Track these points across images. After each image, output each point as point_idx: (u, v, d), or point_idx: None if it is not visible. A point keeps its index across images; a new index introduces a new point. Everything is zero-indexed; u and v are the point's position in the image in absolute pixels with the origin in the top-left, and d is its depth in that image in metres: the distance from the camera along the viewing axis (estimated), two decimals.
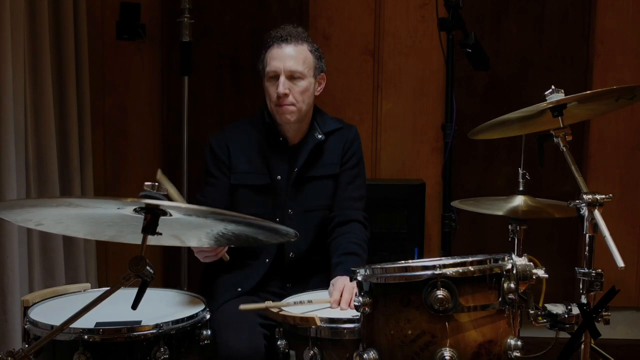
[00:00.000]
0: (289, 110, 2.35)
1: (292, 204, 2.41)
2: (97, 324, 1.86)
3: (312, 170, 2.43)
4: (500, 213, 2.39)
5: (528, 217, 2.40)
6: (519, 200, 2.42)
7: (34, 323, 1.90)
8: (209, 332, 2.03)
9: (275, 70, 2.34)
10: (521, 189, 2.44)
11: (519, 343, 1.71)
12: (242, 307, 2.03)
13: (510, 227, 2.44)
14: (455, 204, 2.55)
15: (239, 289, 2.34)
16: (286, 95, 2.32)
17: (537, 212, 2.41)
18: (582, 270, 1.93)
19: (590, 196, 1.90)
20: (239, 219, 1.66)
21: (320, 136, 2.45)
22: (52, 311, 2.00)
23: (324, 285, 2.28)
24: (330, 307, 2.09)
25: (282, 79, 2.32)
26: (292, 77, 2.33)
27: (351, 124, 2.57)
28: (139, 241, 1.59)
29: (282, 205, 2.41)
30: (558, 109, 2.06)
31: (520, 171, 2.43)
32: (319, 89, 2.46)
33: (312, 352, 1.91)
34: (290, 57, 2.34)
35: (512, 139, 2.50)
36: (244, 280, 2.37)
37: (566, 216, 2.36)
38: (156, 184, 1.61)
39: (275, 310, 2.00)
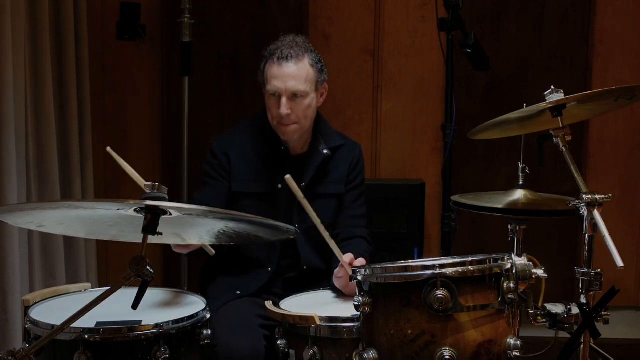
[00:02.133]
0: (291, 129, 2.33)
1: (297, 220, 2.38)
2: (98, 323, 1.86)
3: (319, 187, 2.41)
4: (499, 206, 2.38)
5: (528, 209, 2.39)
6: (518, 194, 2.42)
7: (35, 323, 1.90)
8: (209, 332, 2.03)
9: (276, 91, 2.30)
10: (521, 182, 2.44)
11: (519, 343, 1.71)
12: None
13: (509, 226, 2.45)
14: (456, 198, 2.55)
15: (238, 292, 2.33)
16: (288, 115, 2.30)
17: (537, 206, 2.40)
18: (582, 270, 1.93)
19: (589, 196, 1.90)
20: (239, 217, 1.66)
21: (326, 151, 2.43)
22: (52, 311, 2.00)
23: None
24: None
25: (284, 100, 2.29)
26: (294, 96, 2.30)
27: (355, 142, 2.55)
28: (140, 240, 1.60)
29: (282, 214, 2.38)
30: (557, 109, 2.06)
31: (520, 165, 2.43)
32: (321, 99, 2.43)
33: (311, 351, 1.91)
34: (291, 76, 2.29)
35: (512, 139, 2.50)
36: (244, 285, 2.36)
37: (567, 209, 2.35)
38: (156, 184, 1.62)
39: (273, 309, 2.00)
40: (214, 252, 2.27)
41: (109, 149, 2.09)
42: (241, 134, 2.47)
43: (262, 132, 2.44)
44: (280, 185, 2.38)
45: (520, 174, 2.44)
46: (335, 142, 2.48)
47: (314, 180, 2.41)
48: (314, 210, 2.22)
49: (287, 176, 2.07)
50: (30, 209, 1.74)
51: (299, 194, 2.10)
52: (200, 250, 2.24)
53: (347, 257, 2.14)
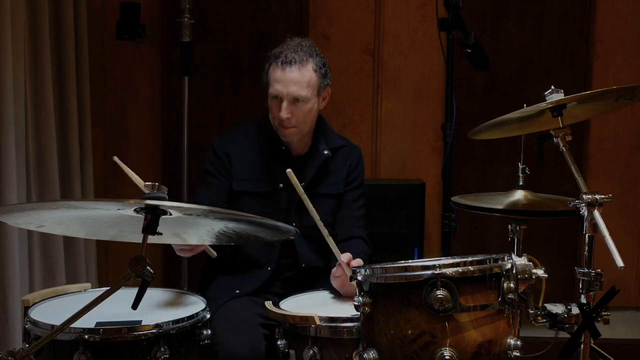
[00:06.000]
0: (290, 132, 2.36)
1: (295, 219, 2.39)
2: (98, 323, 1.86)
3: (318, 187, 2.42)
4: (500, 207, 2.38)
5: (528, 210, 2.38)
6: (519, 195, 2.42)
7: (35, 323, 1.90)
8: (209, 332, 2.03)
9: (277, 94, 2.33)
10: (521, 183, 2.44)
11: (519, 343, 1.71)
12: None
13: (510, 227, 2.45)
14: (456, 198, 2.55)
15: (237, 291, 2.34)
16: (289, 119, 2.32)
17: (538, 206, 2.40)
18: (582, 270, 1.94)
19: (589, 196, 1.90)
20: (239, 217, 1.66)
21: (326, 152, 2.45)
22: (52, 311, 2.00)
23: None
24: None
25: (285, 104, 2.31)
26: (295, 100, 2.32)
27: (355, 144, 2.57)
28: (140, 240, 1.59)
29: (282, 213, 2.39)
30: (558, 109, 2.06)
31: (520, 166, 2.43)
32: (323, 103, 2.45)
33: (311, 351, 1.92)
34: (293, 82, 2.31)
35: (512, 139, 2.50)
36: (244, 284, 2.36)
37: (567, 209, 2.35)
38: (156, 184, 1.62)
39: (272, 309, 2.00)
40: (215, 254, 2.27)
41: (115, 158, 2.09)
42: (243, 134, 2.49)
43: (264, 132, 2.45)
44: (281, 185, 2.40)
45: (521, 175, 2.44)
46: (336, 143, 2.50)
47: (314, 180, 2.42)
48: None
49: (288, 170, 2.08)
50: (30, 209, 1.74)
51: (300, 189, 2.10)
52: (202, 253, 2.24)
53: (345, 257, 2.14)
